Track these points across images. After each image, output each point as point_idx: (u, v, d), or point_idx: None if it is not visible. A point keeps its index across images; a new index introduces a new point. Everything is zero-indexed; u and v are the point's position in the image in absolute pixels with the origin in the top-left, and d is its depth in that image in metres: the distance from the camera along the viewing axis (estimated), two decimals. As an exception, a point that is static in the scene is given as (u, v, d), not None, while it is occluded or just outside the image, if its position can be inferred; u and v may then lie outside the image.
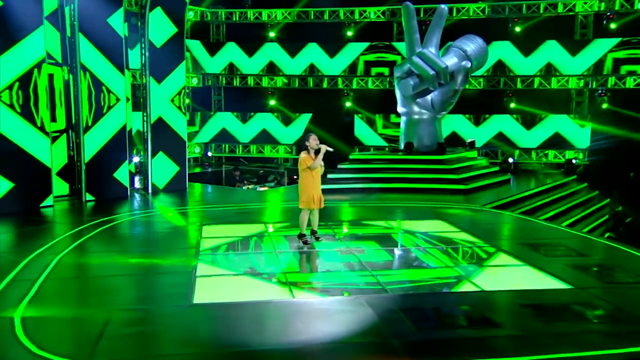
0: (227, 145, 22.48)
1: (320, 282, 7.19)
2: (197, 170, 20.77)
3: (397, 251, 8.69)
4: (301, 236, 8.76)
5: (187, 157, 15.01)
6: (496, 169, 17.18)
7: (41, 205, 11.50)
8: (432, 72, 15.13)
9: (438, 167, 15.04)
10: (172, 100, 14.25)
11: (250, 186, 17.35)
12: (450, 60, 15.69)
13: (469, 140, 17.68)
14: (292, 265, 7.78)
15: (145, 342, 5.10)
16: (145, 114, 13.89)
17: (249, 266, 7.70)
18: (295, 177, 18.98)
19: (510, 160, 19.67)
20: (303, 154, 8.54)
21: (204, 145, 22.31)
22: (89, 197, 12.53)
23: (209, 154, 22.04)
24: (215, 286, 6.91)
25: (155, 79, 13.81)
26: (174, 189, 14.22)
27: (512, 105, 20.56)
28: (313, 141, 8.47)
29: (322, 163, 8.59)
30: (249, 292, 6.55)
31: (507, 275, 7.43)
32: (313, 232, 8.92)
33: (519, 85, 20.57)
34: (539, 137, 20.52)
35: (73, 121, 12.59)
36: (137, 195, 13.56)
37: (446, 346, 5.11)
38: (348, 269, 7.57)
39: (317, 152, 8.49)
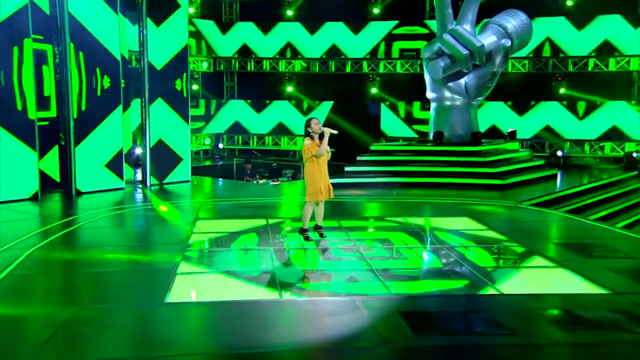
0: (240, 137, 22.47)
1: (315, 282, 7.00)
2: (207, 163, 20.87)
3: (410, 250, 8.38)
4: (303, 231, 8.55)
5: (190, 147, 15.01)
6: (541, 162, 16.62)
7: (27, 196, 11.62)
8: (465, 52, 14.70)
9: (471, 159, 14.61)
10: (175, 84, 14.25)
11: (262, 180, 17.26)
12: (487, 39, 15.22)
13: (508, 131, 17.15)
14: (287, 263, 7.58)
15: (99, 344, 4.97)
16: (143, 99, 13.92)
17: (238, 263, 7.54)
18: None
19: (559, 153, 19.05)
20: (306, 141, 8.31)
21: (215, 136, 22.34)
22: (78, 189, 12.58)
23: (220, 145, 22.06)
24: (196, 284, 6.78)
25: (153, 21, 13.74)
26: (176, 182, 14.21)
27: (562, 90, 19.87)
28: (315, 126, 8.23)
29: (328, 148, 8.37)
30: (232, 291, 6.40)
31: (534, 278, 7.08)
32: (317, 227, 8.69)
33: (570, 68, 19.87)
34: (593, 128, 19.80)
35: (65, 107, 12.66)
36: (133, 188, 13.59)
37: (443, 354, 4.83)
38: (350, 268, 7.34)
39: (321, 137, 8.26)
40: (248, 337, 5.17)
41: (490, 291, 6.45)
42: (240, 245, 8.50)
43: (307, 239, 8.51)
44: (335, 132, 8.27)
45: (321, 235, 8.66)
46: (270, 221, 9.99)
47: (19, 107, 11.30)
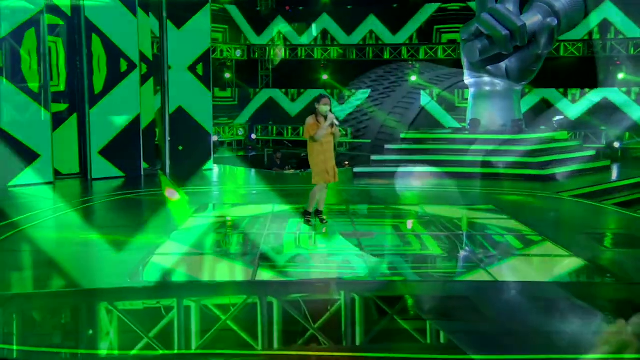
0: (274, 127, 22.43)
1: (298, 265, 6.75)
2: (240, 153, 20.95)
3: (414, 237, 8.00)
4: (305, 214, 8.34)
5: (212, 136, 15.11)
6: (592, 153, 15.73)
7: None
8: (504, 32, 14.02)
9: (509, 148, 13.95)
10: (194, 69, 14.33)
11: (292, 171, 17.14)
12: (531, 18, 14.49)
13: (555, 119, 16.35)
14: (276, 247, 7.35)
15: (36, 322, 4.93)
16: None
17: (223, 246, 7.41)
18: (346, 162, 18.60)
19: (617, 144, 18.00)
20: (309, 120, 8.06)
21: (248, 127, 22.40)
22: (94, 175, 12.81)
23: (253, 136, 22.11)
24: (171, 265, 6.67)
25: None
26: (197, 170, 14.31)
27: (621, 76, 18.78)
28: (324, 106, 7.94)
29: (338, 132, 8.10)
30: (204, 272, 6.27)
31: (539, 266, 6.61)
32: (317, 212, 8.45)
33: (631, 51, 18.76)
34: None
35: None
36: (151, 175, 13.73)
37: (411, 338, 4.51)
38: (341, 254, 7.10)
39: (326, 118, 8.01)
40: (201, 316, 5.04)
41: (484, 277, 6.03)
42: (234, 229, 8.36)
43: (307, 222, 8.29)
44: (337, 123, 8.01)
45: (322, 220, 8.40)
46: (277, 208, 9.81)
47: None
